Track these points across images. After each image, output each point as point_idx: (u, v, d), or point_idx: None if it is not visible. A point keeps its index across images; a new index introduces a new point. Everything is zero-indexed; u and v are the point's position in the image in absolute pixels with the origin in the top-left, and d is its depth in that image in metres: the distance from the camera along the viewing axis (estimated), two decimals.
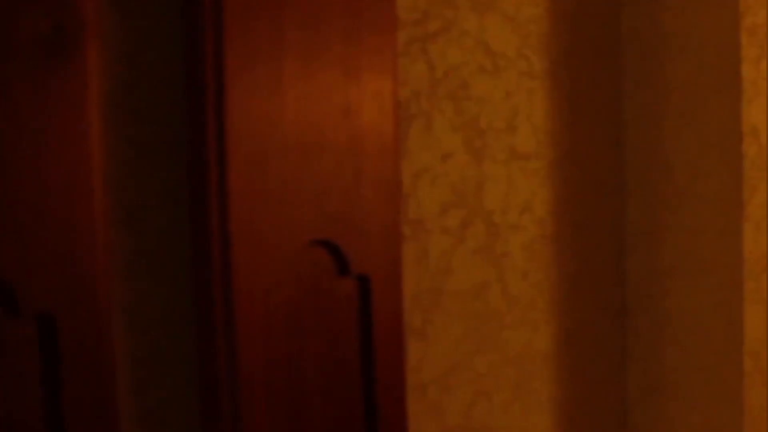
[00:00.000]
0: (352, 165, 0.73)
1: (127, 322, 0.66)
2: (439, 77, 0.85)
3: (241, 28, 0.67)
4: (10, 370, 0.58)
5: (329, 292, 0.73)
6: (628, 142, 1.02)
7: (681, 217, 0.99)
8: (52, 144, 0.59)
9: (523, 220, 0.92)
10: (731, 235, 0.95)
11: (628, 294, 1.03)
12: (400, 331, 0.77)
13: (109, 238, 0.65)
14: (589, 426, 1.01)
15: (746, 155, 0.95)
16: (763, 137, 0.97)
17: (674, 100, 0.99)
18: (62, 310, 0.60)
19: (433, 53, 0.84)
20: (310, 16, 0.71)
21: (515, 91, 0.91)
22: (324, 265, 0.73)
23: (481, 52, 0.88)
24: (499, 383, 0.90)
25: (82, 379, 0.60)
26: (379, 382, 0.76)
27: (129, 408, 0.66)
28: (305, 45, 0.70)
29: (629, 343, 1.03)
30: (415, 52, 0.83)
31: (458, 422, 0.87)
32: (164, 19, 0.67)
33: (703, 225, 0.97)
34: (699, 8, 0.97)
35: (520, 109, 0.91)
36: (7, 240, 0.57)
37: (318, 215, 0.72)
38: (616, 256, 1.02)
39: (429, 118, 0.84)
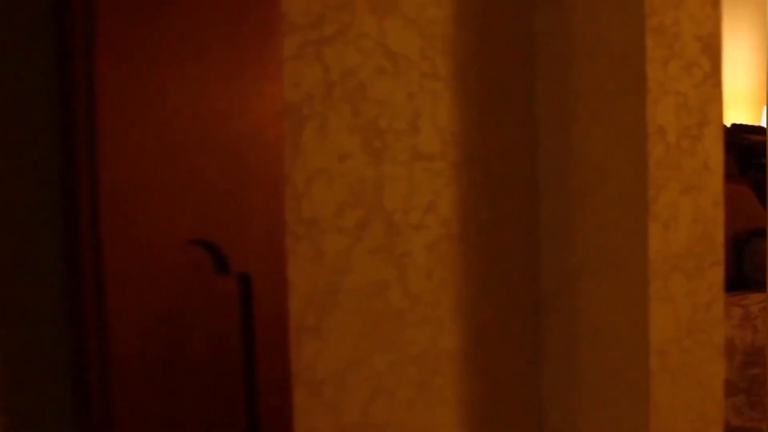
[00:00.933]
0: (233, 166, 0.75)
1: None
2: (334, 79, 0.86)
3: (114, 30, 0.69)
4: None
5: (209, 290, 0.75)
6: (540, 143, 1.03)
7: (591, 216, 1.00)
8: None
9: (426, 220, 0.94)
10: (637, 234, 0.96)
11: (542, 293, 1.04)
12: (284, 329, 0.78)
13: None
14: (504, 423, 1.02)
15: (652, 155, 0.95)
16: (672, 137, 0.97)
17: (584, 100, 1.00)
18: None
19: (328, 56, 0.86)
20: (190, 21, 0.73)
21: (418, 92, 0.92)
22: (203, 264, 0.75)
23: (380, 54, 0.89)
24: (401, 381, 0.92)
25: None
26: (263, 380, 0.77)
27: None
28: (185, 49, 0.72)
29: (543, 341, 1.04)
30: (309, 55, 0.85)
31: (356, 419, 0.89)
32: (34, 23, 0.69)
33: (610, 224, 0.98)
34: (605, 10, 0.97)
35: (423, 111, 0.93)
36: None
37: (196, 215, 0.73)
38: (530, 256, 1.03)
39: (324, 120, 0.86)
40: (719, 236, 1.04)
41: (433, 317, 0.94)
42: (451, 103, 0.95)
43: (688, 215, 1.00)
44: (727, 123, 3.73)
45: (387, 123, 0.90)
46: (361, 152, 0.88)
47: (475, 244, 0.98)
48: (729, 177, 3.14)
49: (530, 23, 1.02)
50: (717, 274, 1.04)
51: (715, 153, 1.03)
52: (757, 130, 3.48)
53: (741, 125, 3.50)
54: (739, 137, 3.30)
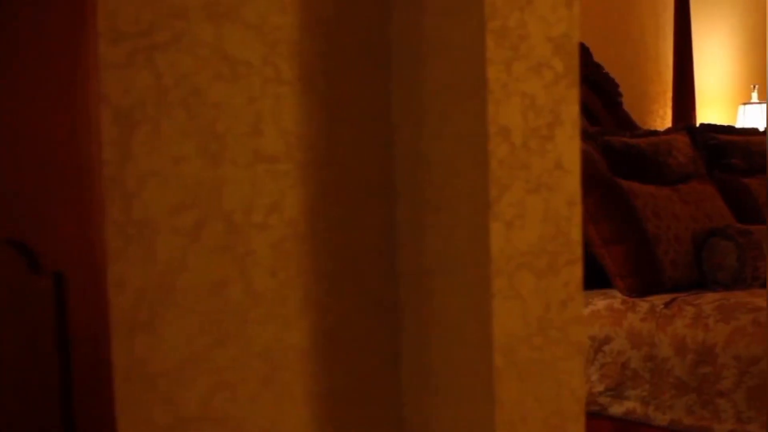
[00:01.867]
0: (43, 168, 0.78)
1: None
2: (168, 85, 0.89)
3: None
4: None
5: (22, 289, 0.78)
6: (396, 144, 1.05)
7: (441, 216, 1.02)
8: None
9: (271, 220, 0.96)
10: (480, 233, 0.98)
11: (400, 291, 1.06)
12: (104, 326, 0.81)
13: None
14: (362, 418, 1.05)
15: (494, 155, 0.97)
16: (517, 137, 0.99)
17: (434, 102, 1.02)
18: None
19: (160, 62, 0.89)
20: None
21: (260, 96, 0.95)
22: (15, 264, 0.78)
23: (218, 60, 0.92)
24: (243, 375, 0.95)
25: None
26: (78, 377, 0.80)
27: None
28: None
29: (400, 339, 1.06)
30: (139, 61, 0.87)
31: (195, 413, 0.92)
32: None
33: (458, 224, 1.00)
34: (451, 14, 0.99)
35: (265, 114, 0.95)
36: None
37: (5, 215, 0.76)
38: (386, 255, 1.05)
39: (157, 124, 0.88)
40: (575, 235, 1.06)
41: (279, 314, 0.97)
42: (297, 107, 0.98)
43: (537, 214, 1.01)
44: (702, 122, 3.72)
45: (225, 126, 0.93)
46: (197, 155, 0.91)
47: (325, 244, 1.00)
48: (697, 177, 3.13)
49: (386, 28, 1.04)
50: (573, 273, 1.06)
51: (569, 152, 1.05)
52: (727, 129, 3.47)
53: (710, 125, 3.49)
54: (708, 137, 3.29)
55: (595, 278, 2.71)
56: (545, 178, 1.02)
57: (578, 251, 1.06)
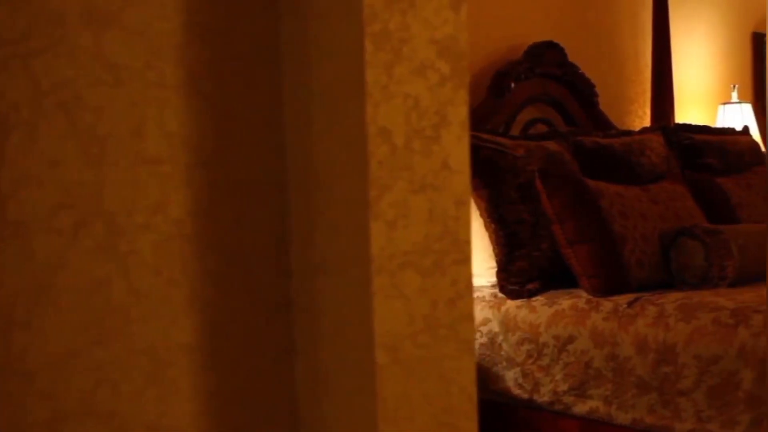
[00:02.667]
0: None
1: None
2: (45, 90, 0.92)
3: None
4: None
5: None
6: (288, 145, 1.07)
7: (328, 216, 1.04)
8: None
9: (154, 221, 0.98)
10: (360, 233, 1.00)
11: (292, 290, 1.08)
12: None
13: None
14: (254, 413, 1.07)
15: (374, 156, 0.99)
16: (399, 138, 1.01)
17: (321, 104, 1.04)
18: None
19: (37, 68, 0.91)
20: None
21: (142, 100, 0.97)
22: None
23: (98, 65, 0.95)
24: (127, 372, 0.97)
25: None
26: None
27: None
28: None
29: (294, 336, 1.09)
30: (15, 67, 0.90)
31: (76, 408, 0.94)
32: None
33: (342, 224, 1.02)
34: (332, 17, 1.01)
35: (148, 117, 0.98)
36: None
37: None
38: (278, 254, 1.07)
39: (33, 128, 0.91)
40: (464, 234, 1.07)
41: (164, 312, 0.99)
42: (182, 110, 1.00)
43: (422, 214, 1.03)
44: (678, 122, 3.72)
45: (106, 130, 0.95)
46: (77, 157, 0.94)
47: (213, 243, 1.03)
48: (669, 177, 3.14)
49: (275, 32, 1.07)
50: (461, 272, 1.08)
51: (457, 153, 1.06)
52: (702, 129, 3.46)
53: (685, 125, 3.49)
54: (683, 137, 3.29)
55: (563, 278, 2.73)
56: (431, 178, 1.04)
57: (467, 250, 1.08)
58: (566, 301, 2.61)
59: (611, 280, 2.63)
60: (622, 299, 2.56)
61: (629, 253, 2.67)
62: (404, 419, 1.03)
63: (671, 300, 2.50)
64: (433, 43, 1.04)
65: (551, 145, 2.90)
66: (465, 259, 1.09)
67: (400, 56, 1.01)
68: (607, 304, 2.55)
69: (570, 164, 2.89)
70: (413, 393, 1.04)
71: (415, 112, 1.03)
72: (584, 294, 2.64)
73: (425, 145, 1.04)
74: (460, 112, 1.07)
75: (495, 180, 2.73)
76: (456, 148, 1.07)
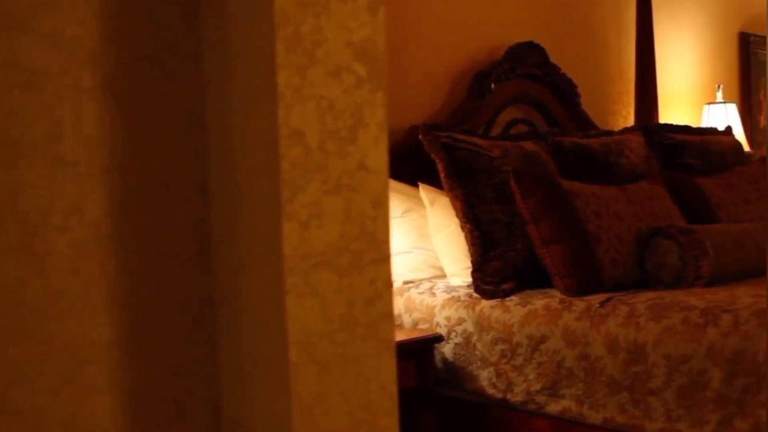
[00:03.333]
0: None
1: None
2: None
3: None
4: None
5: None
6: (210, 147, 1.09)
7: (246, 216, 1.06)
8: None
9: (71, 222, 1.00)
10: (274, 233, 1.01)
11: (215, 288, 1.10)
12: None
13: None
14: (177, 411, 1.09)
15: (286, 157, 1.01)
16: (313, 140, 1.03)
17: (238, 106, 1.06)
18: None
19: None
20: None
21: (58, 104, 0.99)
22: None
23: (11, 69, 0.97)
24: (43, 370, 0.99)
25: None
26: None
27: None
28: None
29: (217, 334, 1.10)
30: None
31: None
32: None
33: (258, 224, 1.04)
34: (247, 20, 1.03)
35: (64, 120, 1.00)
36: None
37: None
38: (200, 253, 1.09)
39: None
40: (382, 234, 1.09)
41: (82, 311, 1.01)
42: (99, 113, 1.02)
43: (338, 214, 1.05)
44: (659, 122, 3.72)
45: (20, 133, 0.97)
46: None
47: (132, 243, 1.05)
48: (649, 176, 3.14)
49: (194, 34, 1.08)
50: (380, 271, 1.09)
51: (374, 154, 1.08)
52: (684, 129, 3.46)
53: (667, 125, 3.49)
54: (664, 137, 3.29)
55: (539, 278, 2.73)
56: (347, 179, 1.06)
57: (386, 250, 1.09)
58: (540, 301, 2.62)
59: (585, 280, 2.64)
60: (595, 299, 2.56)
61: (603, 252, 2.68)
62: (320, 415, 1.05)
63: (643, 300, 2.51)
64: (349, 45, 1.06)
65: (528, 146, 2.91)
66: (384, 259, 1.10)
67: (314, 59, 1.03)
68: (579, 304, 2.55)
69: (547, 164, 2.89)
70: (330, 390, 1.05)
71: (329, 114, 1.04)
72: (558, 294, 2.65)
73: (341, 147, 1.05)
74: (377, 114, 1.08)
75: (470, 180, 2.74)
76: (373, 149, 1.08)
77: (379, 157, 1.09)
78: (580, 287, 2.62)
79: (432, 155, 2.76)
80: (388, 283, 1.11)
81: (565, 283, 2.64)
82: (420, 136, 2.78)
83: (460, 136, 2.81)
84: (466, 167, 2.75)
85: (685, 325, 2.36)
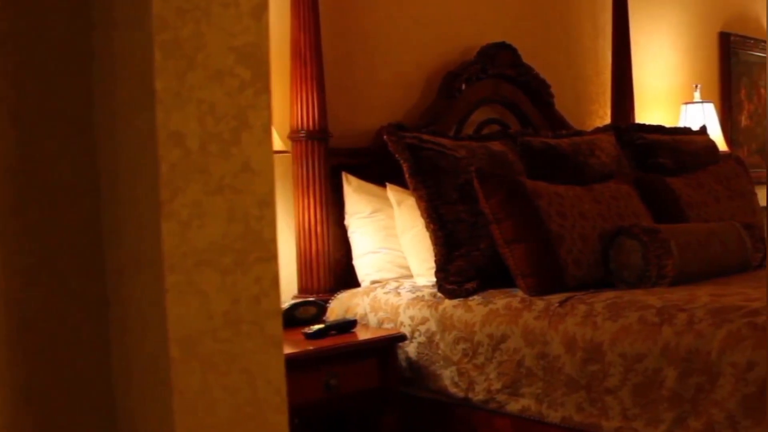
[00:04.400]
0: None
1: None
2: None
3: None
4: None
5: None
6: (99, 149, 1.12)
7: (131, 217, 1.09)
8: None
9: None
10: (154, 232, 1.04)
11: (107, 287, 1.13)
12: None
13: None
14: (72, 408, 1.12)
15: (166, 159, 1.03)
16: (193, 143, 1.05)
17: (123, 110, 1.08)
18: None
19: None
20: None
21: None
22: None
23: None
24: None
25: None
26: None
27: None
28: None
29: (110, 332, 1.13)
30: None
31: None
32: None
33: (141, 224, 1.07)
34: (128, 27, 1.06)
35: None
36: None
37: None
38: (93, 252, 1.12)
39: None
40: (269, 234, 1.11)
41: None
42: None
43: (221, 214, 1.07)
44: (644, 122, 3.72)
45: None
46: None
47: (22, 244, 1.08)
48: (619, 176, 3.14)
49: (86, 40, 1.11)
50: (266, 270, 1.11)
51: (259, 156, 1.10)
52: (657, 129, 3.46)
53: (639, 125, 3.49)
54: (635, 137, 3.29)
55: (502, 277, 2.75)
56: (229, 180, 1.08)
57: (272, 249, 1.11)
58: (501, 301, 2.63)
59: (547, 280, 2.65)
60: (555, 298, 2.57)
61: (566, 252, 2.69)
62: (204, 411, 1.07)
63: (602, 299, 2.52)
64: (232, 50, 1.08)
65: (496, 146, 2.92)
66: (270, 258, 1.12)
67: (194, 63, 1.05)
68: (539, 303, 2.56)
69: (514, 164, 2.91)
70: (214, 386, 1.08)
71: (211, 116, 1.07)
72: (521, 293, 2.66)
73: (223, 149, 1.08)
74: (262, 116, 1.11)
75: (435, 180, 2.76)
76: (258, 150, 1.11)
77: (265, 158, 1.11)
78: (541, 287, 2.64)
79: (396, 155, 2.78)
80: (275, 282, 1.13)
81: (527, 283, 2.65)
82: (385, 137, 2.80)
83: (426, 137, 2.82)
84: (431, 167, 2.77)
85: (641, 324, 2.36)
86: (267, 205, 1.12)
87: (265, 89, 1.11)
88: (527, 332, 2.53)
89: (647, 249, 2.70)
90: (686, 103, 4.12)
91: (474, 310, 2.64)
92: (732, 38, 4.68)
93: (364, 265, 2.96)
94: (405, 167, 2.77)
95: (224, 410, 1.09)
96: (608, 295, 2.54)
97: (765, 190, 4.80)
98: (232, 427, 1.09)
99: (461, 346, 2.64)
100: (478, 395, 2.60)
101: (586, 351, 2.42)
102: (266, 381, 1.12)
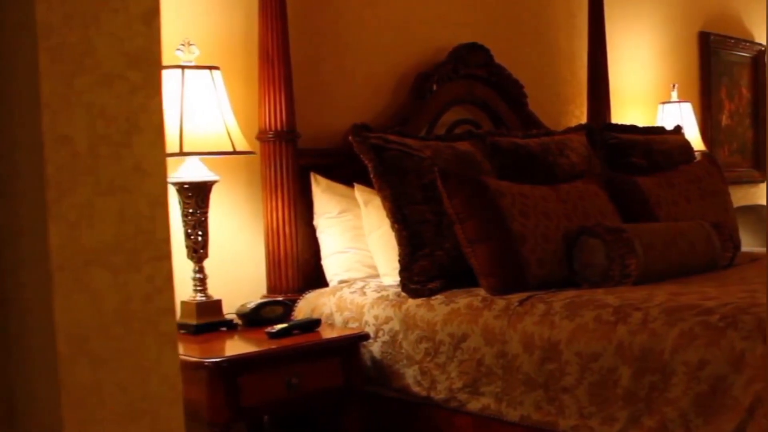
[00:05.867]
0: None
1: None
2: None
3: None
4: None
5: None
6: None
7: (23, 217, 1.12)
8: None
9: None
10: (42, 233, 1.07)
11: (6, 286, 1.16)
12: None
13: None
14: None
15: (52, 161, 1.06)
16: (82, 145, 1.08)
17: (15, 113, 1.11)
18: None
19: None
20: None
21: None
22: None
23: None
24: None
25: None
26: None
27: None
28: None
29: (8, 330, 1.16)
30: None
31: None
32: None
33: (33, 225, 1.10)
34: (16, 33, 1.09)
35: None
36: None
37: None
38: None
39: None
40: (162, 233, 1.14)
41: None
42: None
43: (111, 215, 1.10)
44: (626, 121, 3.72)
45: None
46: None
47: None
48: (588, 176, 3.15)
49: None
50: (160, 268, 1.14)
51: (151, 157, 1.13)
52: (629, 129, 3.46)
53: (612, 124, 3.49)
54: (608, 136, 3.29)
55: (467, 277, 2.76)
56: (120, 181, 1.11)
57: (165, 248, 1.14)
58: (463, 300, 2.65)
59: (508, 279, 2.66)
60: (516, 298, 2.58)
61: (528, 252, 2.70)
62: (94, 406, 1.10)
63: (561, 298, 2.53)
64: (122, 55, 1.11)
65: (463, 146, 2.94)
66: (163, 257, 1.15)
67: (83, 68, 1.08)
68: (500, 303, 2.58)
69: (481, 164, 2.92)
70: (105, 382, 1.11)
71: (101, 119, 1.09)
72: (483, 293, 2.67)
73: (114, 151, 1.10)
74: (154, 119, 1.13)
75: (399, 181, 2.77)
76: (150, 152, 1.13)
77: (157, 160, 1.14)
78: (503, 286, 2.65)
79: (361, 156, 2.80)
80: (169, 280, 1.16)
81: (489, 282, 2.67)
82: (350, 138, 2.83)
83: (391, 137, 2.84)
84: (396, 168, 2.79)
85: (596, 323, 2.38)
86: (160, 205, 1.14)
87: (157, 92, 1.13)
88: (487, 331, 2.54)
89: (610, 248, 2.71)
90: (663, 103, 4.12)
91: (436, 310, 2.66)
92: (712, 38, 4.67)
93: (332, 264, 2.99)
94: (370, 167, 2.80)
95: (116, 405, 1.12)
96: (568, 294, 2.56)
97: (747, 188, 4.79)
98: (125, 422, 1.12)
99: (423, 345, 2.66)
100: (439, 394, 2.62)
101: (543, 350, 2.43)
102: (160, 376, 1.15)
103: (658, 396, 2.24)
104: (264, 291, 2.95)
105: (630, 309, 2.38)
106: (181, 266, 2.76)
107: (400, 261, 2.75)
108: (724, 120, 4.71)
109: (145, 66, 1.12)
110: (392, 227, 2.78)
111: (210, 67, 2.68)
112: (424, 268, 2.74)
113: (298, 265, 2.92)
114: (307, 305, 2.91)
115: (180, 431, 1.17)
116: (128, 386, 1.13)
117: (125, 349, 1.12)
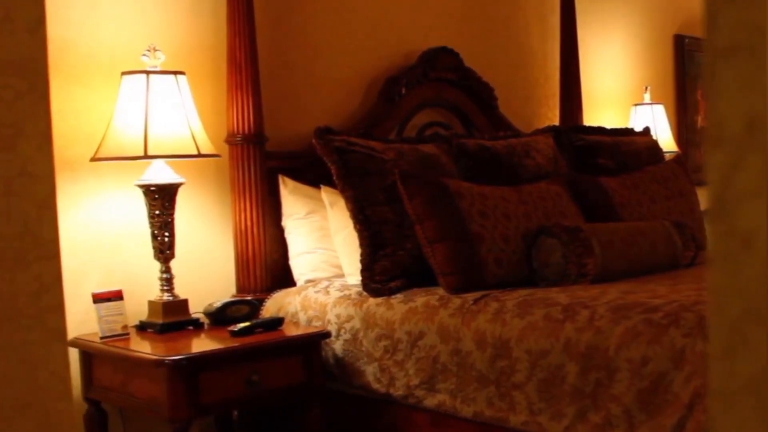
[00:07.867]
0: None
1: None
2: None
3: None
4: None
5: None
6: None
7: None
8: None
9: None
10: None
11: None
12: None
13: None
14: None
15: None
16: None
17: None
18: None
19: None
20: None
21: None
22: None
23: None
24: None
25: None
26: None
27: None
28: None
29: None
30: None
31: None
32: None
33: None
34: None
35: None
36: None
37: None
38: None
39: None
40: (49, 234, 1.19)
41: None
42: None
43: None
44: (599, 123, 3.74)
45: None
46: None
47: None
48: (554, 177, 3.18)
49: None
50: (48, 267, 1.20)
51: (38, 162, 1.19)
52: (597, 130, 3.48)
53: (579, 126, 3.51)
54: (575, 138, 3.32)
55: (428, 277, 2.80)
56: (8, 185, 1.17)
57: (53, 248, 1.20)
58: (421, 299, 2.69)
59: (466, 278, 2.70)
60: (472, 296, 2.62)
61: (486, 252, 2.74)
62: None
63: (515, 297, 2.56)
64: (6, 63, 1.17)
65: (428, 148, 2.98)
66: (51, 256, 1.21)
67: None
68: (456, 301, 2.62)
69: (445, 166, 2.96)
70: None
71: None
72: (441, 291, 2.71)
73: None
74: (40, 125, 1.19)
75: (362, 182, 2.82)
76: (37, 156, 1.19)
77: (44, 164, 1.20)
78: (461, 285, 2.69)
79: (324, 158, 2.86)
80: (57, 279, 1.21)
81: (447, 281, 2.71)
82: (313, 140, 2.88)
83: (354, 140, 2.89)
84: (359, 169, 2.84)
85: (545, 321, 2.41)
86: (47, 207, 1.20)
87: (44, 98, 1.19)
88: (442, 329, 2.58)
89: (567, 248, 2.74)
90: (636, 105, 4.13)
91: (395, 308, 2.70)
92: (687, 41, 4.67)
93: (300, 264, 3.04)
94: (333, 169, 2.85)
95: (4, 400, 1.17)
96: (521, 293, 2.59)
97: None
98: (11, 414, 1.18)
99: (383, 343, 2.70)
100: (398, 391, 2.66)
101: (495, 347, 2.47)
102: (49, 371, 1.20)
103: (603, 392, 2.27)
104: (233, 291, 3.01)
105: (579, 307, 2.41)
106: (149, 267, 2.83)
107: (361, 261, 2.80)
108: (700, 121, 4.71)
109: (29, 74, 1.18)
110: (354, 227, 2.82)
111: (175, 72, 2.74)
112: (386, 267, 2.78)
113: (267, 265, 2.98)
114: (274, 304, 2.96)
115: (71, 425, 1.23)
116: (15, 381, 1.18)
117: (12, 345, 1.18)
